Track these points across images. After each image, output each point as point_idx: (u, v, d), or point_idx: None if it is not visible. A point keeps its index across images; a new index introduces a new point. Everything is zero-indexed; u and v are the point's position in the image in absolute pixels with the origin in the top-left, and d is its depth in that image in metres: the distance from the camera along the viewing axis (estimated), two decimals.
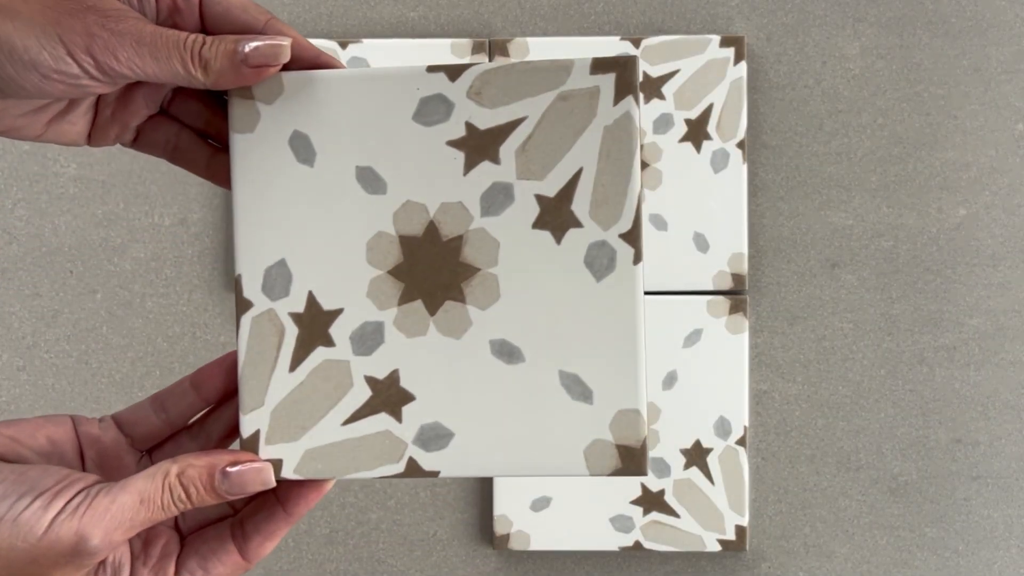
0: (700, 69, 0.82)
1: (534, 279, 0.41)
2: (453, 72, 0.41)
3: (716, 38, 0.82)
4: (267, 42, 0.40)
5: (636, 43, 0.82)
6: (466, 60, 0.83)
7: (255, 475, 0.41)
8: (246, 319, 0.42)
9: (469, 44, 0.83)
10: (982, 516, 0.84)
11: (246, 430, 0.42)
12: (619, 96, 0.41)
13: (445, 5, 0.85)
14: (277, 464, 0.42)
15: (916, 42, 0.84)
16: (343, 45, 0.83)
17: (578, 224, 0.41)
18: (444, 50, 0.82)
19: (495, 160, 0.41)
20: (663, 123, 0.82)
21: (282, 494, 0.42)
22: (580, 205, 0.41)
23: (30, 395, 0.85)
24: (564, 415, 0.41)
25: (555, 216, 0.41)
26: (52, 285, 0.86)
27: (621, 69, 0.41)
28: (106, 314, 0.85)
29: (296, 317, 0.42)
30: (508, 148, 0.41)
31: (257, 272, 0.42)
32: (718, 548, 0.82)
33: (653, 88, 0.83)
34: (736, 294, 0.83)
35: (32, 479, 0.38)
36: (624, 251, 0.41)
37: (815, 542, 0.84)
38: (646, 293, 0.82)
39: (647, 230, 0.82)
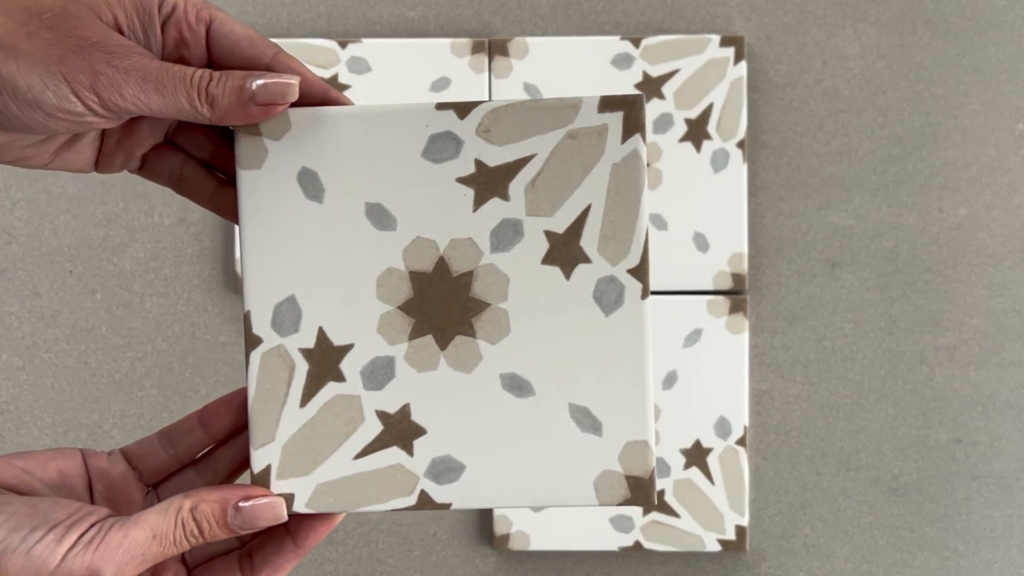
0: (700, 69, 0.82)
1: (544, 314, 0.42)
2: (462, 110, 0.42)
3: (716, 38, 0.82)
4: (275, 80, 0.40)
5: (636, 43, 0.82)
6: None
7: (267, 510, 0.41)
8: (255, 355, 0.42)
9: (469, 44, 0.82)
10: (982, 516, 0.84)
11: (257, 465, 0.42)
12: (627, 134, 0.41)
13: (445, 5, 0.85)
14: (289, 498, 0.42)
15: (916, 42, 0.84)
16: (343, 45, 0.83)
17: (587, 260, 0.42)
18: (444, 49, 0.82)
19: (504, 197, 0.42)
20: (663, 123, 0.82)
21: (292, 526, 0.42)
22: (589, 241, 0.42)
23: (29, 395, 0.85)
24: (574, 447, 0.41)
25: (564, 252, 0.42)
26: (51, 285, 0.85)
27: (628, 108, 0.41)
28: (105, 314, 0.85)
29: (306, 353, 0.42)
30: (517, 185, 0.42)
31: (266, 308, 0.42)
32: (718, 548, 0.82)
33: (653, 88, 0.82)
34: (736, 294, 0.83)
35: (44, 511, 0.38)
36: (632, 286, 0.41)
37: (815, 542, 0.84)
38: None
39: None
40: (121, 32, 0.40)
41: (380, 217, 0.42)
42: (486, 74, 0.83)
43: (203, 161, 0.45)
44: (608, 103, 0.41)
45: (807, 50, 0.84)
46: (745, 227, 0.82)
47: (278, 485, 0.42)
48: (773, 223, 0.84)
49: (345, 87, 0.83)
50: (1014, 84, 0.83)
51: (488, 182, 0.42)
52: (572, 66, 0.82)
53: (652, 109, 0.83)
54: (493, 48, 0.83)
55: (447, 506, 0.42)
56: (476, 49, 0.82)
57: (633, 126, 0.41)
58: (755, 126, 0.84)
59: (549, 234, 0.42)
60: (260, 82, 0.39)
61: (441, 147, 0.42)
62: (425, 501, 0.42)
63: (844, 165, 0.84)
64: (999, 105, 0.83)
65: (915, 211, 0.84)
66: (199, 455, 0.44)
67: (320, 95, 0.42)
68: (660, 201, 0.82)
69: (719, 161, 0.82)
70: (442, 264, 0.42)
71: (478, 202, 0.42)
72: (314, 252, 0.42)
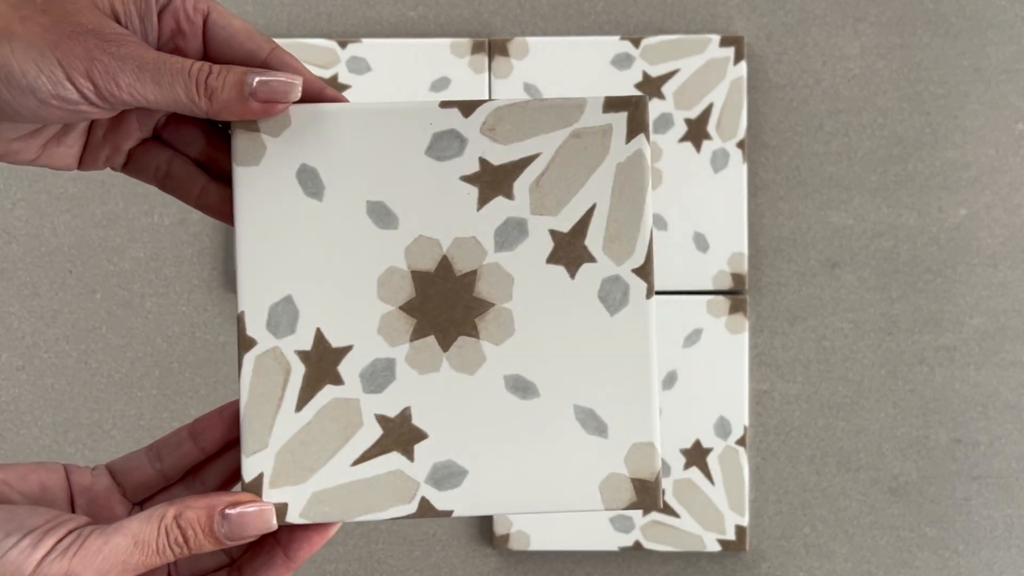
0: (700, 69, 0.82)
1: (549, 313, 0.41)
2: (466, 108, 0.41)
3: (716, 38, 0.82)
4: (278, 78, 0.39)
5: (636, 43, 0.82)
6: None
7: (256, 518, 0.39)
8: (249, 358, 0.41)
9: (469, 44, 0.82)
10: (982, 516, 0.84)
11: (249, 473, 0.40)
12: (631, 135, 0.41)
13: (445, 4, 0.85)
14: (282, 508, 0.40)
15: (916, 42, 0.84)
16: (343, 45, 0.83)
17: (592, 259, 0.41)
18: (444, 49, 0.82)
19: (509, 196, 0.41)
20: (663, 123, 0.82)
21: (283, 538, 0.41)
22: (594, 240, 0.41)
23: (29, 395, 0.85)
24: (579, 449, 0.41)
25: (569, 251, 0.41)
26: (51, 285, 0.85)
27: (633, 108, 0.41)
28: (105, 314, 0.85)
29: (303, 355, 0.41)
30: (522, 184, 0.41)
31: (261, 309, 0.41)
32: (718, 548, 0.82)
33: (653, 88, 0.82)
34: (736, 294, 0.83)
35: (20, 517, 0.36)
36: (637, 285, 0.41)
37: (815, 542, 0.84)
38: None
39: None
40: (117, 20, 0.39)
41: (382, 215, 0.41)
42: (486, 74, 0.83)
43: (192, 159, 0.44)
44: (613, 103, 0.41)
45: (807, 50, 0.84)
46: (745, 227, 0.82)
47: (271, 495, 0.40)
48: (773, 223, 0.84)
49: (345, 87, 0.83)
50: (1014, 84, 0.83)
51: (492, 180, 0.41)
52: (572, 66, 0.82)
53: (652, 109, 0.83)
54: (493, 48, 0.83)
55: (448, 513, 0.41)
56: (476, 49, 0.82)
57: (637, 126, 0.41)
58: (755, 126, 0.84)
59: (554, 233, 0.41)
60: (263, 79, 0.39)
61: (445, 145, 0.41)
62: (426, 509, 0.41)
63: (844, 165, 0.84)
64: (999, 105, 0.83)
65: (915, 211, 0.84)
66: (187, 470, 0.43)
67: (316, 93, 0.41)
68: (660, 201, 0.82)
69: (719, 161, 0.82)
70: (445, 263, 0.41)
71: (482, 200, 0.41)
72: (312, 250, 0.41)
